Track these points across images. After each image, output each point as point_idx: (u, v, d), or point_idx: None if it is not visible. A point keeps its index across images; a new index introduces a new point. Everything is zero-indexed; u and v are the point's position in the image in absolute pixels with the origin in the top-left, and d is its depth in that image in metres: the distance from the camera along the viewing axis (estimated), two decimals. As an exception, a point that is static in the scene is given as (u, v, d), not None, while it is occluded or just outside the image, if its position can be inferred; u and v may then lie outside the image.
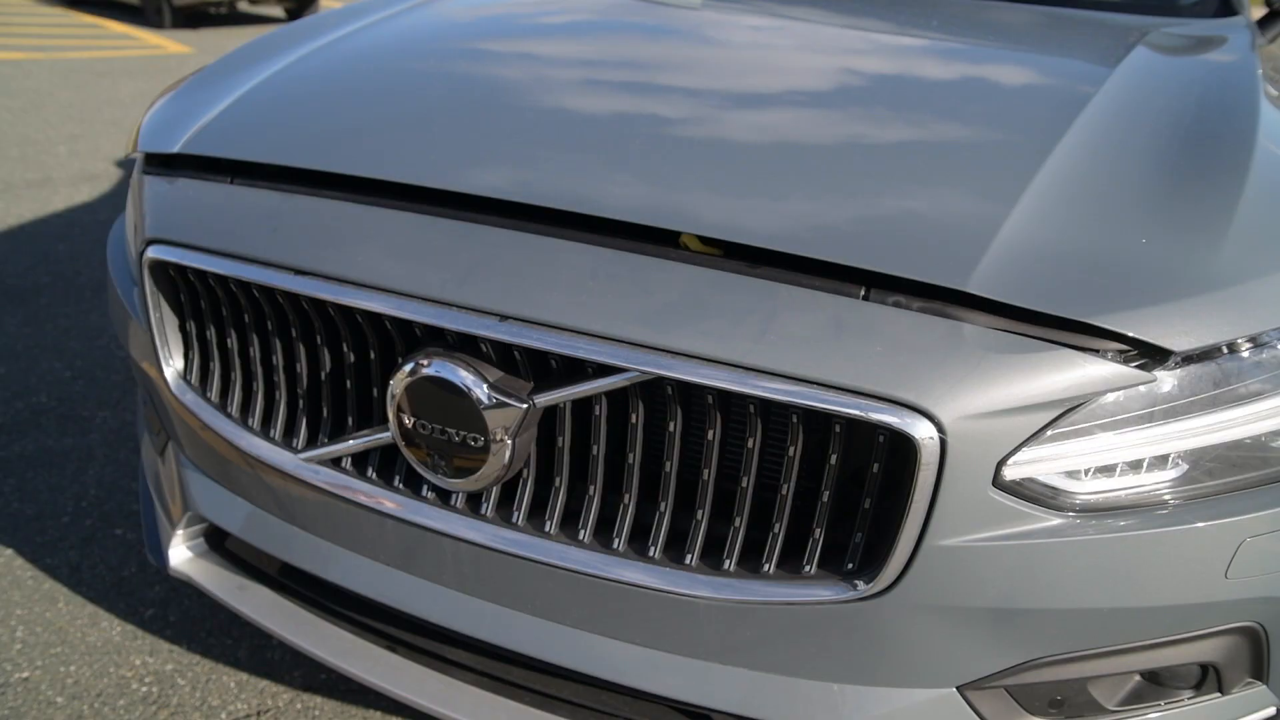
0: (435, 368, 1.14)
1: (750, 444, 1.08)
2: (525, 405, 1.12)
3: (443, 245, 1.19)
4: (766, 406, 1.07)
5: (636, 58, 1.79)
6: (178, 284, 1.39)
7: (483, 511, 1.24)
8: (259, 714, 1.73)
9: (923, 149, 1.34)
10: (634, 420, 1.13)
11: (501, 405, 1.12)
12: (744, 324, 1.05)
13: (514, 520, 1.22)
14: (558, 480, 1.20)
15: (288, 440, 1.35)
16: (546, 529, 1.20)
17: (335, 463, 1.32)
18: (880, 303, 1.05)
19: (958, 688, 1.14)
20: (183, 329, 1.43)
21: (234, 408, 1.39)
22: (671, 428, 1.11)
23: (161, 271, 1.38)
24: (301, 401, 1.33)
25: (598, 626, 1.21)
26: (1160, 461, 1.06)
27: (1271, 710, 1.20)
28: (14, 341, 3.09)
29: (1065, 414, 1.01)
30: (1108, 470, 1.05)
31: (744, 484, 1.10)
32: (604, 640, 1.22)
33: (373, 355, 1.25)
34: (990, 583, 1.05)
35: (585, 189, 1.22)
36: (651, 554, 1.15)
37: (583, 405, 1.16)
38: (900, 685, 1.14)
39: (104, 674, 1.80)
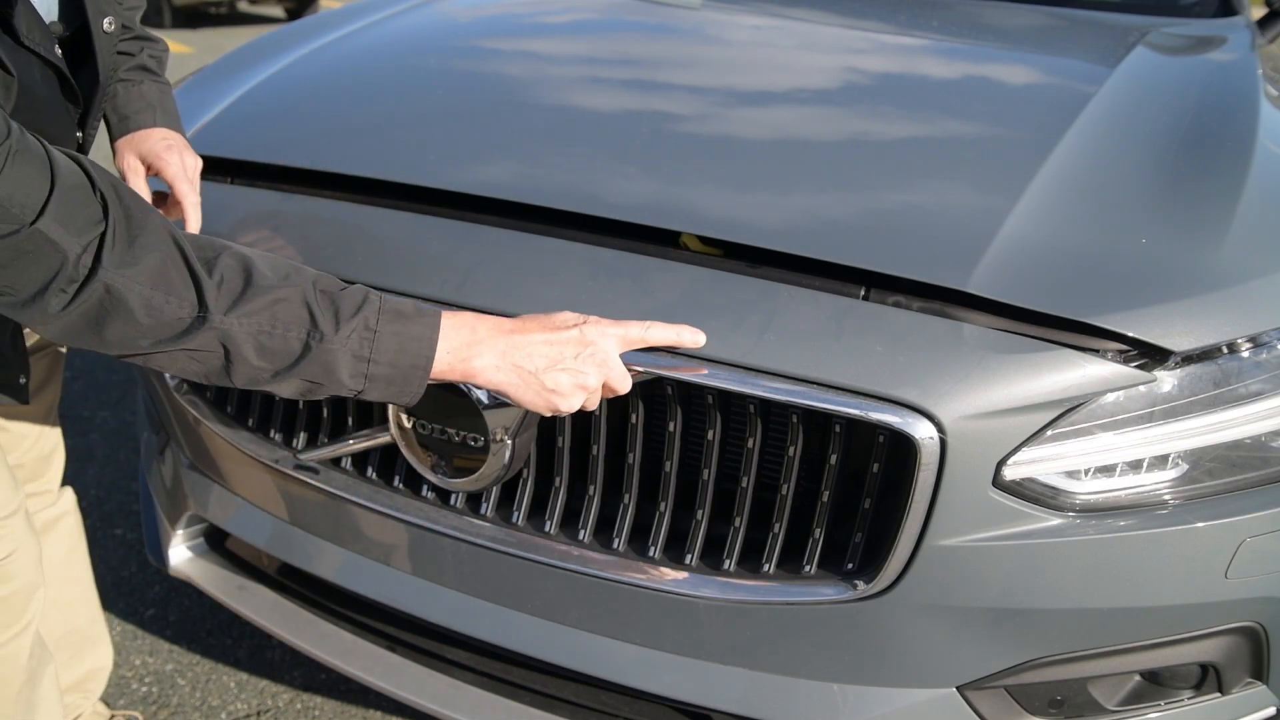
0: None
1: (750, 444, 1.08)
2: (525, 405, 1.12)
3: (442, 245, 1.19)
4: (766, 406, 1.07)
5: (635, 57, 1.79)
6: (178, 284, 1.39)
7: (482, 512, 1.23)
8: (259, 714, 1.73)
9: (923, 149, 1.34)
10: (634, 420, 1.13)
11: (501, 405, 1.12)
12: (744, 324, 1.05)
13: (514, 520, 1.22)
14: (558, 480, 1.20)
15: (287, 440, 1.35)
16: (546, 529, 1.20)
17: (335, 463, 1.32)
18: (880, 302, 1.05)
19: (958, 688, 1.14)
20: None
21: (233, 408, 1.39)
22: (671, 428, 1.11)
23: (161, 271, 1.38)
24: (301, 402, 1.33)
25: (597, 626, 1.21)
26: (1160, 461, 1.06)
27: (1271, 710, 1.20)
28: (14, 341, 3.09)
29: (1065, 414, 1.01)
30: (1108, 470, 1.05)
31: (744, 484, 1.10)
32: (604, 640, 1.21)
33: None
34: (990, 583, 1.05)
35: (585, 189, 1.22)
36: (651, 554, 1.15)
37: (583, 405, 1.16)
38: (900, 685, 1.14)
39: (104, 674, 1.80)
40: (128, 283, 0.80)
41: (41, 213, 0.77)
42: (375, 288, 1.16)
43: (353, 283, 1.17)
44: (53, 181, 0.78)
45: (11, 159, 0.76)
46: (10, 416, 1.31)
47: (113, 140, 1.25)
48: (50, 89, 1.01)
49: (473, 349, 0.91)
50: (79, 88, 1.05)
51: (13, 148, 0.76)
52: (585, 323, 0.96)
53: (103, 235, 0.80)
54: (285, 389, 0.89)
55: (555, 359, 0.93)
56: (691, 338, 1.01)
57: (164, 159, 1.22)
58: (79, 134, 1.10)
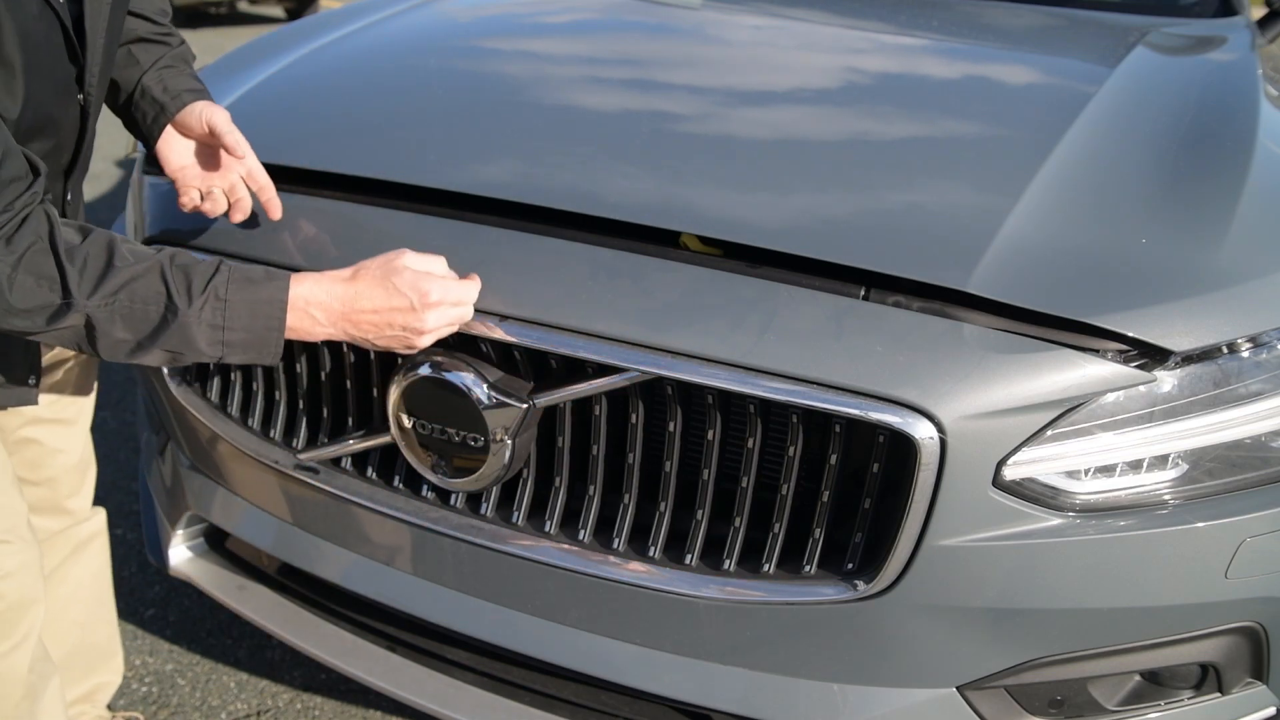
0: (435, 368, 1.14)
1: (750, 444, 1.08)
2: (525, 405, 1.12)
3: (442, 245, 1.19)
4: (766, 406, 1.07)
5: (636, 57, 1.79)
6: (178, 284, 1.39)
7: (482, 511, 1.23)
8: (259, 714, 1.73)
9: (923, 149, 1.34)
10: (634, 420, 1.13)
11: (501, 405, 1.12)
12: (744, 324, 1.05)
13: (514, 520, 1.22)
14: (558, 480, 1.20)
15: (287, 440, 1.35)
16: (546, 529, 1.20)
17: (335, 463, 1.32)
18: (880, 302, 1.05)
19: (958, 688, 1.14)
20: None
21: (234, 408, 1.39)
22: (671, 428, 1.11)
23: (161, 271, 1.38)
24: (301, 402, 1.33)
25: (598, 626, 1.21)
26: (1160, 461, 1.06)
27: (1271, 710, 1.20)
28: (14, 341, 3.08)
29: (1065, 414, 1.01)
30: (1108, 470, 1.05)
31: (744, 484, 1.10)
32: (604, 640, 1.21)
33: (372, 355, 1.25)
34: (990, 583, 1.05)
35: (585, 189, 1.22)
36: (651, 554, 1.15)
37: (583, 405, 1.16)
38: (900, 685, 1.14)
39: (104, 674, 1.80)
40: (3, 267, 0.87)
41: None
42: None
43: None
44: None
45: None
46: (44, 423, 1.30)
47: (173, 113, 1.25)
48: (50, 31, 1.00)
49: (313, 322, 1.01)
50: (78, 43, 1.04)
51: None
52: (420, 296, 1.02)
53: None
54: (150, 359, 0.96)
55: (382, 327, 1.03)
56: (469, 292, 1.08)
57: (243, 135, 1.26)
58: (80, 95, 1.09)
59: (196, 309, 0.94)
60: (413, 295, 1.02)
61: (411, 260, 1.04)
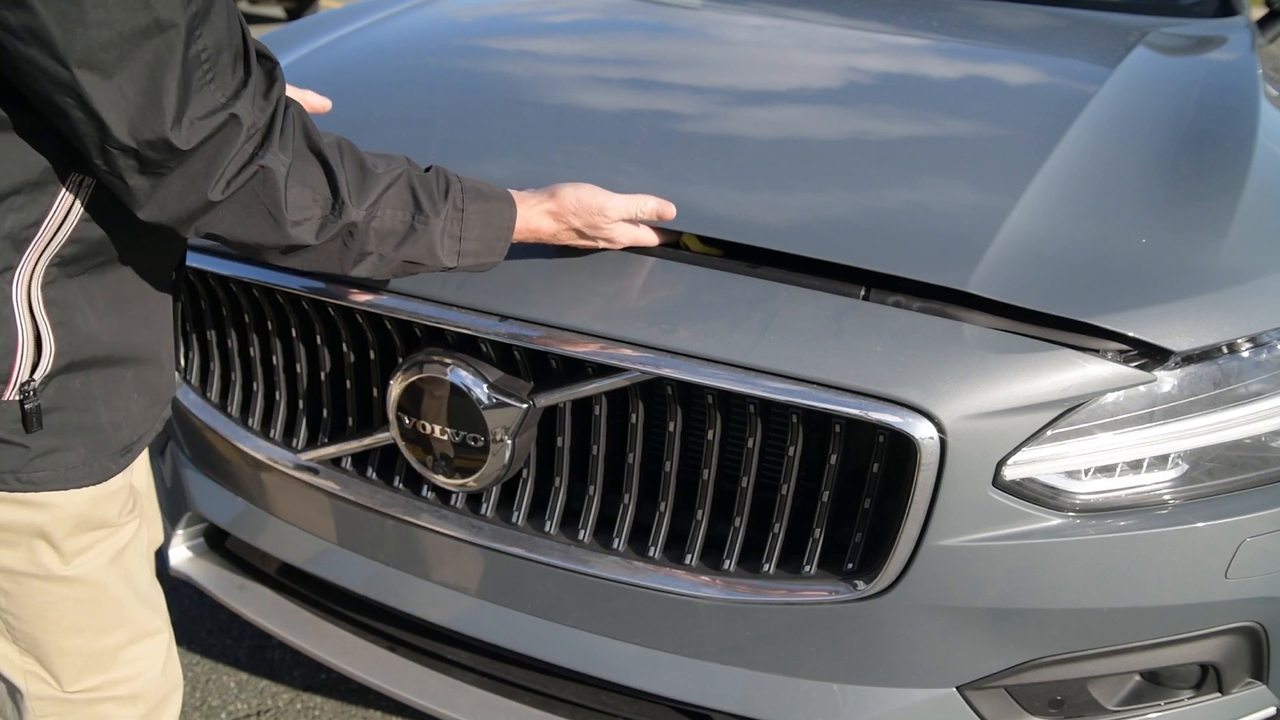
0: (435, 368, 1.14)
1: (750, 444, 1.08)
2: (525, 405, 1.12)
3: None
4: (766, 406, 1.07)
5: (636, 57, 1.79)
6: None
7: (483, 512, 1.23)
8: (259, 714, 1.73)
9: (923, 149, 1.34)
10: (634, 420, 1.13)
11: (501, 405, 1.12)
12: (744, 324, 1.05)
13: (514, 520, 1.22)
14: (558, 480, 1.20)
15: (288, 440, 1.35)
16: (546, 529, 1.20)
17: (335, 463, 1.32)
18: (881, 302, 1.05)
19: (958, 688, 1.14)
20: (183, 329, 1.43)
21: (234, 408, 1.39)
22: (671, 428, 1.11)
23: (161, 271, 1.38)
24: (301, 402, 1.33)
25: (597, 626, 1.21)
26: (1160, 461, 1.06)
27: (1271, 710, 1.20)
28: (14, 341, 3.07)
29: (1065, 414, 1.01)
30: (1108, 470, 1.05)
31: (744, 484, 1.10)
32: (604, 640, 1.21)
33: (373, 355, 1.25)
34: (990, 583, 1.05)
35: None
36: (651, 554, 1.15)
37: (583, 405, 1.16)
38: (900, 685, 1.14)
39: (104, 674, 1.80)
40: (279, 167, 0.83)
41: (237, 96, 0.79)
42: (374, 288, 1.17)
43: (350, 282, 1.19)
44: (248, 68, 0.80)
45: (227, 46, 0.78)
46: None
47: None
48: None
49: (520, 241, 1.06)
50: None
51: (231, 38, 0.78)
52: (610, 244, 1.11)
53: (270, 119, 0.82)
54: (383, 272, 0.95)
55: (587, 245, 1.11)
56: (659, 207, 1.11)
57: None
58: None
59: (442, 220, 0.94)
60: (604, 243, 1.10)
61: (613, 210, 1.07)
